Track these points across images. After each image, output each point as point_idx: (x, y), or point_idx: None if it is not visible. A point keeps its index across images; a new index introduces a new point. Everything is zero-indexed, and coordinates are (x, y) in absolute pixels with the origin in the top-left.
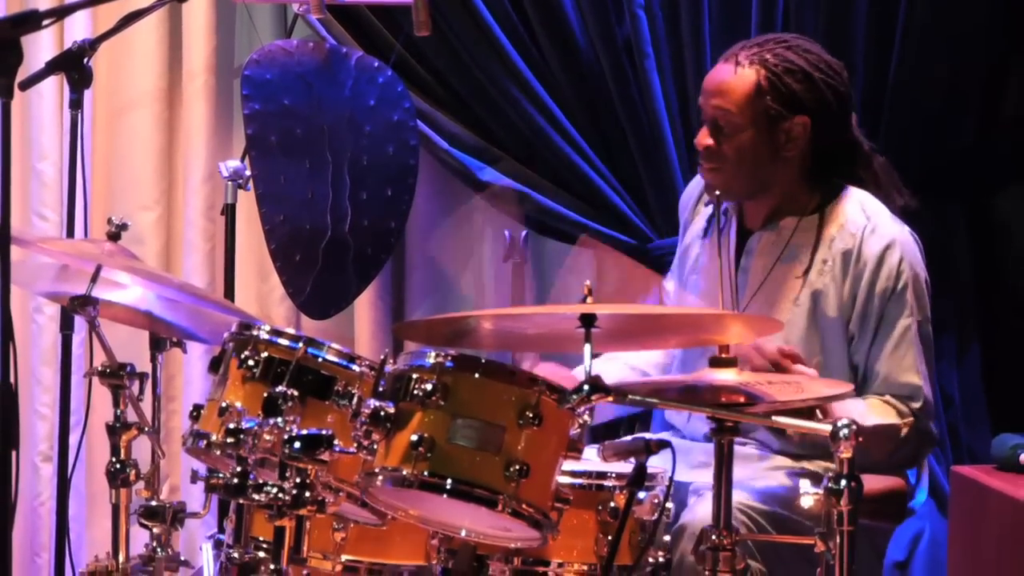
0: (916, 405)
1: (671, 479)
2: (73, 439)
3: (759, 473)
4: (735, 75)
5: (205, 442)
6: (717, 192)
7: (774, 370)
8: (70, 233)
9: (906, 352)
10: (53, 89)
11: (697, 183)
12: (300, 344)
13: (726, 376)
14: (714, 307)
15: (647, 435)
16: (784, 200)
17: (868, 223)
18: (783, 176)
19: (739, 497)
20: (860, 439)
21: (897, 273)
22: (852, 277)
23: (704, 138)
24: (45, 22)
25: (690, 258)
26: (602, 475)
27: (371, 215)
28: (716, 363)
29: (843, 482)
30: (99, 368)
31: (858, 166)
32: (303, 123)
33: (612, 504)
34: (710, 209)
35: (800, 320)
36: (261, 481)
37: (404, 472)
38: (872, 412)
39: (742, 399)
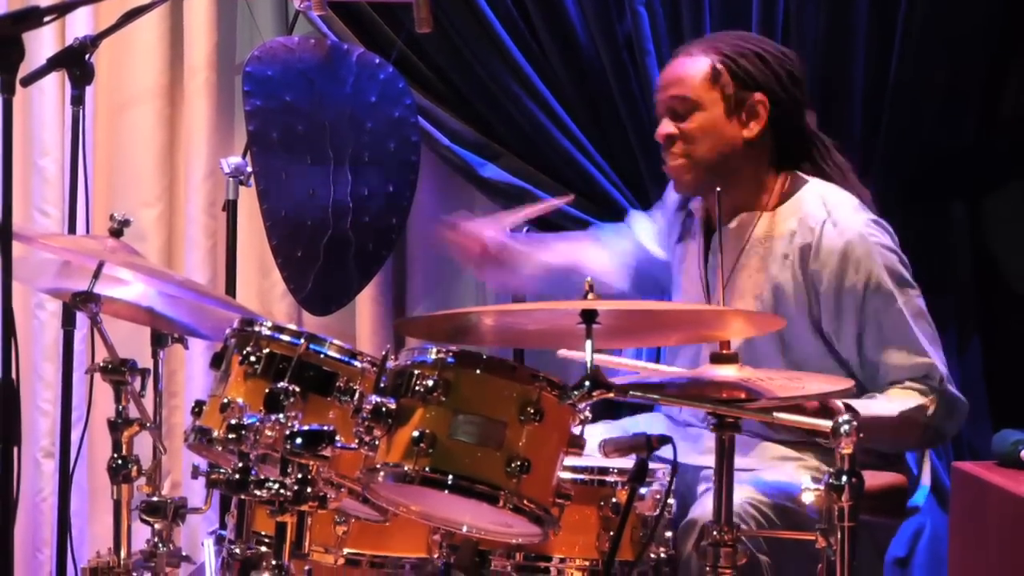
0: (934, 381)
1: (672, 475)
2: (75, 435)
3: (765, 463)
4: (689, 63)
5: (207, 438)
6: (685, 182)
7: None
8: (72, 229)
9: (906, 335)
10: (55, 85)
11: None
12: (302, 340)
13: (727, 372)
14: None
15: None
16: (747, 194)
17: (828, 217)
18: (747, 162)
19: (746, 492)
20: (895, 431)
21: (867, 268)
22: (811, 272)
23: (664, 127)
24: (46, 19)
25: (673, 256)
26: (604, 471)
27: (372, 212)
28: (717, 359)
29: (844, 478)
30: (101, 364)
31: (817, 156)
32: (304, 120)
33: (614, 500)
34: (682, 214)
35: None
36: (263, 477)
37: (406, 468)
38: (895, 400)
39: (743, 395)
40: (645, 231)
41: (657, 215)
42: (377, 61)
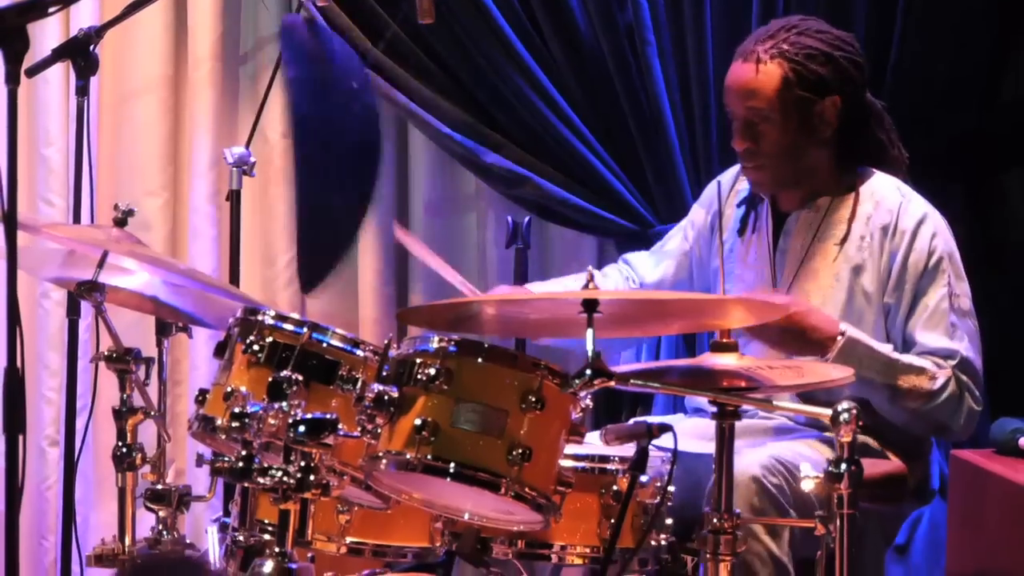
0: (953, 362)
1: (672, 464)
2: (80, 423)
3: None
4: (760, 73)
5: (211, 426)
6: (764, 184)
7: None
8: (76, 219)
9: (940, 321)
10: (59, 76)
11: (729, 178)
12: (305, 329)
13: (727, 361)
14: (753, 290)
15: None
16: (821, 182)
17: (903, 199)
18: (821, 159)
19: (778, 450)
20: (897, 382)
21: (931, 247)
22: (889, 250)
23: (742, 142)
24: (51, 9)
25: (727, 250)
26: (605, 459)
27: (342, 187)
28: (717, 348)
29: (843, 466)
30: (105, 353)
31: (876, 127)
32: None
33: (615, 487)
34: (742, 209)
35: (840, 295)
36: (266, 465)
37: (408, 456)
38: (904, 356)
39: (743, 383)
40: (644, 266)
41: (682, 233)
42: (331, 33)
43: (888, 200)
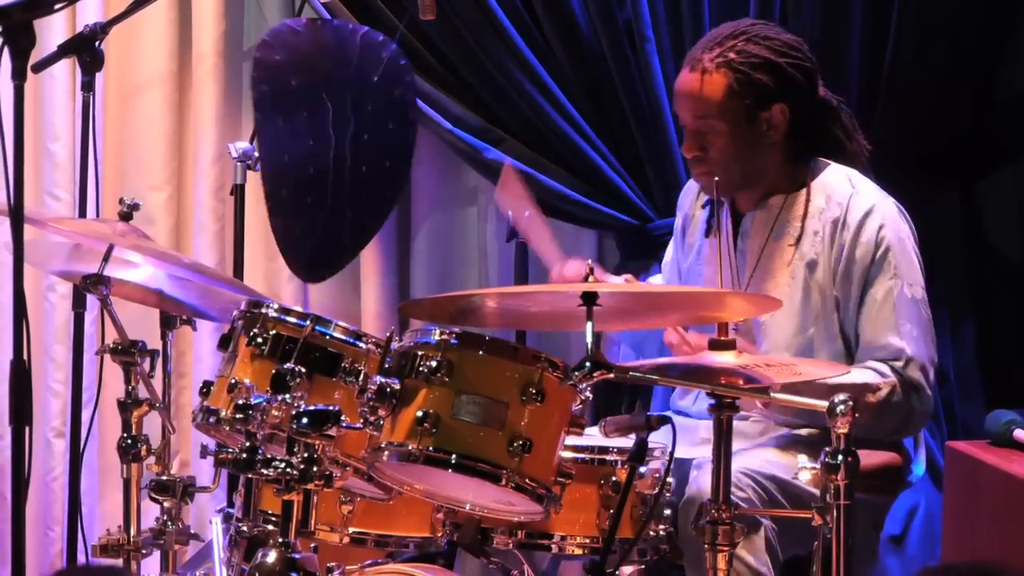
0: (898, 364)
1: (671, 454)
2: (85, 415)
3: (761, 443)
4: (704, 83)
5: (215, 418)
6: (715, 192)
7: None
8: (82, 213)
9: (888, 314)
10: (65, 72)
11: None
12: (308, 322)
13: (725, 358)
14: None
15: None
16: (774, 182)
17: (853, 191)
18: (771, 161)
19: (744, 461)
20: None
21: (877, 239)
22: (839, 243)
23: (690, 149)
24: (57, 6)
25: (694, 251)
26: (604, 450)
27: (369, 187)
28: (715, 345)
29: (839, 456)
30: (111, 345)
31: (831, 123)
32: (309, 104)
33: (614, 478)
34: (707, 210)
35: (796, 292)
36: (269, 456)
37: (410, 447)
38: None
39: (741, 381)
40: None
41: (672, 242)
42: (380, 39)
43: (838, 193)
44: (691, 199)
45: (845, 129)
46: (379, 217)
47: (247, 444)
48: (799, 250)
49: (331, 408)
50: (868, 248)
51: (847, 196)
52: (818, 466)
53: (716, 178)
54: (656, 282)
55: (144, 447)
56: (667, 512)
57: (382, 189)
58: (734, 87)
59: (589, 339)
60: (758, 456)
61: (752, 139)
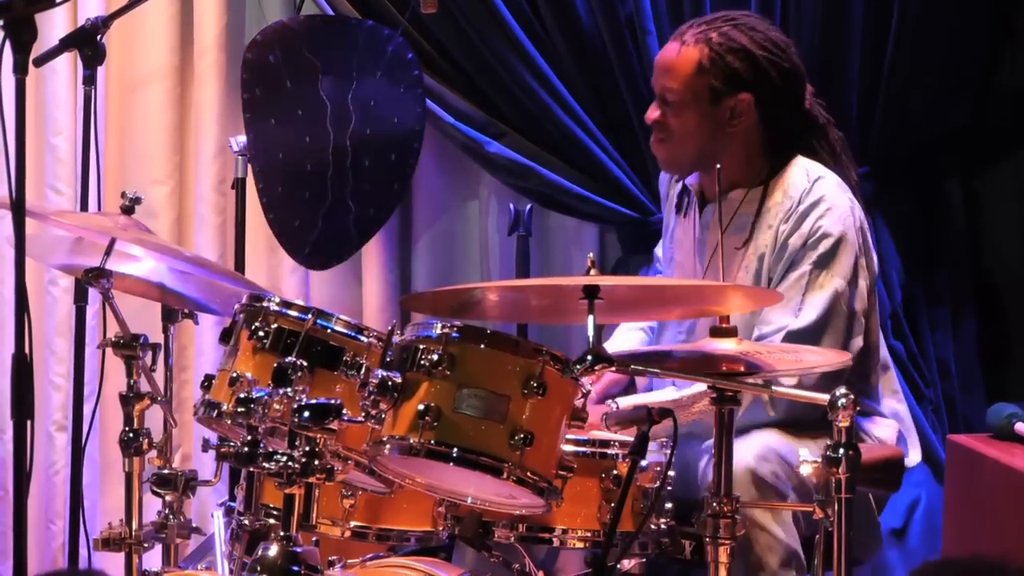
0: (774, 338)
1: (672, 448)
2: (87, 409)
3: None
4: (679, 53)
5: (216, 411)
6: (666, 160)
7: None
8: (84, 207)
9: (794, 295)
10: (67, 66)
11: None
12: (309, 316)
13: (726, 346)
14: (686, 276)
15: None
16: (735, 172)
17: (808, 184)
18: (730, 149)
19: (748, 444)
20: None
21: (813, 227)
22: (781, 230)
23: (652, 112)
24: (59, 0)
25: (669, 231)
26: (605, 443)
27: (373, 180)
28: (716, 333)
29: (841, 450)
30: (112, 339)
31: (812, 137)
32: (304, 102)
33: (615, 472)
34: (679, 186)
35: (748, 285)
36: (271, 450)
37: (411, 441)
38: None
39: (742, 368)
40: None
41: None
42: (386, 32)
43: (794, 187)
44: (668, 178)
45: (831, 148)
46: (386, 210)
47: (249, 438)
48: (753, 244)
49: (333, 402)
50: (802, 235)
51: (801, 190)
52: (819, 459)
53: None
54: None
55: (146, 441)
56: (668, 505)
57: (388, 181)
58: (704, 64)
59: (591, 332)
60: (761, 439)
61: (712, 121)
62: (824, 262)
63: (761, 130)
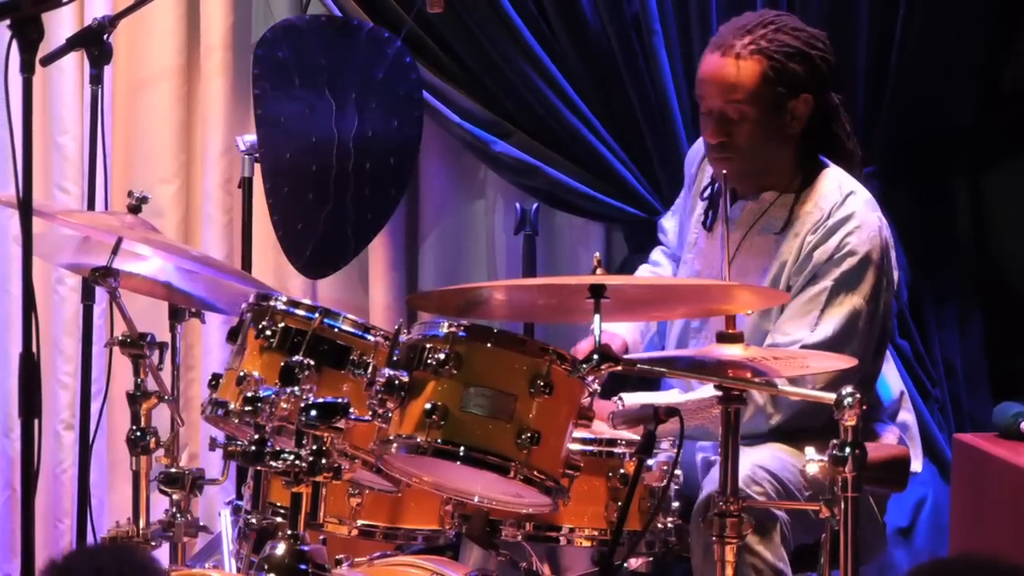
0: (789, 350)
1: (679, 446)
2: (94, 408)
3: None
4: (740, 68)
5: (223, 410)
6: (729, 175)
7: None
8: (91, 206)
9: (812, 308)
10: (74, 65)
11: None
12: (316, 315)
13: (732, 351)
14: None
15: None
16: (775, 177)
17: (840, 200)
18: (784, 154)
19: (754, 456)
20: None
21: (840, 243)
22: (808, 241)
23: (716, 135)
24: (65, 0)
25: (694, 215)
26: (612, 442)
27: (373, 184)
28: (723, 339)
29: (847, 449)
30: (120, 338)
31: (833, 121)
32: (311, 101)
33: (622, 471)
34: (706, 202)
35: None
36: (278, 448)
37: (418, 439)
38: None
39: (748, 374)
40: (674, 233)
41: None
42: (386, 36)
43: (826, 199)
44: (698, 159)
45: (844, 129)
46: (383, 216)
47: (256, 436)
48: (777, 248)
49: (340, 400)
50: (828, 250)
51: (832, 203)
52: (825, 458)
53: (724, 171)
54: (653, 263)
55: (153, 439)
56: (675, 504)
57: (387, 187)
58: (769, 74)
59: (597, 332)
60: (766, 451)
61: (776, 129)
62: (847, 280)
63: (809, 128)
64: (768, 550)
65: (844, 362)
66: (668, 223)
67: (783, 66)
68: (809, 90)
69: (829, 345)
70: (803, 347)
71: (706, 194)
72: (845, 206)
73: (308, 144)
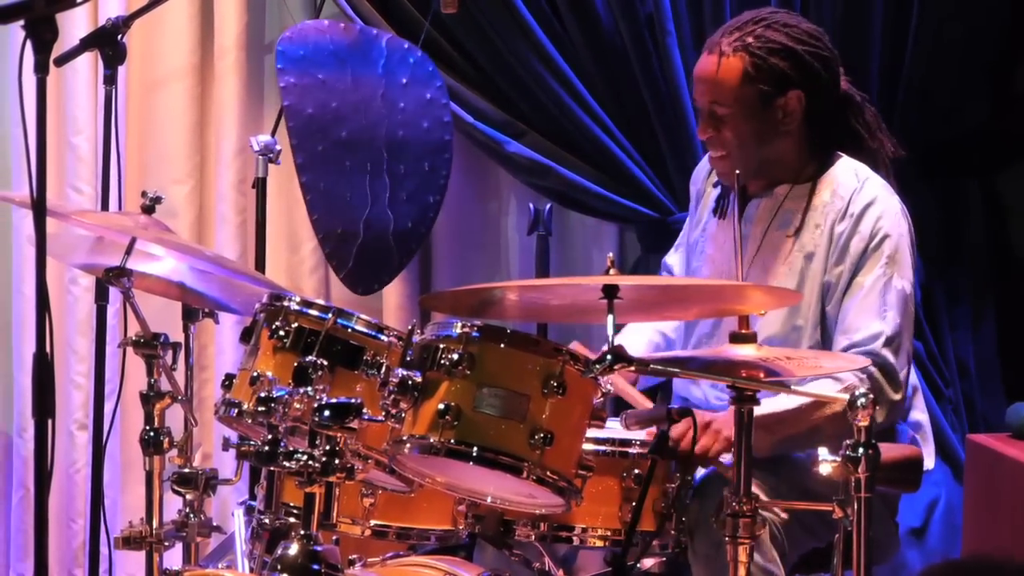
0: (875, 346)
1: (693, 447)
2: (108, 408)
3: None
4: (721, 66)
5: (237, 410)
6: (728, 174)
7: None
8: (105, 206)
9: (875, 300)
10: (88, 65)
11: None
12: (330, 315)
13: (746, 352)
14: (722, 274)
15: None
16: (784, 170)
17: (858, 185)
18: (786, 148)
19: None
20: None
21: (874, 229)
22: (836, 232)
23: (705, 131)
24: (79, 0)
25: (701, 226)
26: (625, 443)
27: (410, 188)
28: (736, 339)
29: (860, 449)
30: (133, 338)
31: (850, 116)
32: (338, 96)
33: (636, 471)
34: (718, 189)
35: (791, 283)
36: (291, 448)
37: (431, 440)
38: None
39: (762, 375)
40: (680, 267)
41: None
42: (406, 45)
43: (843, 187)
44: (704, 175)
45: (867, 125)
46: (424, 224)
47: (269, 437)
48: (799, 241)
49: (353, 401)
50: (864, 237)
51: (851, 190)
52: (838, 458)
53: (737, 171)
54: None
55: (166, 439)
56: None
57: (424, 192)
58: (750, 71)
59: (610, 332)
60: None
61: (766, 125)
62: (893, 263)
63: (810, 122)
64: (757, 552)
65: (849, 362)
66: (672, 259)
67: (764, 62)
68: (799, 86)
69: (901, 332)
70: (887, 339)
71: (716, 181)
72: (865, 191)
73: (339, 140)
